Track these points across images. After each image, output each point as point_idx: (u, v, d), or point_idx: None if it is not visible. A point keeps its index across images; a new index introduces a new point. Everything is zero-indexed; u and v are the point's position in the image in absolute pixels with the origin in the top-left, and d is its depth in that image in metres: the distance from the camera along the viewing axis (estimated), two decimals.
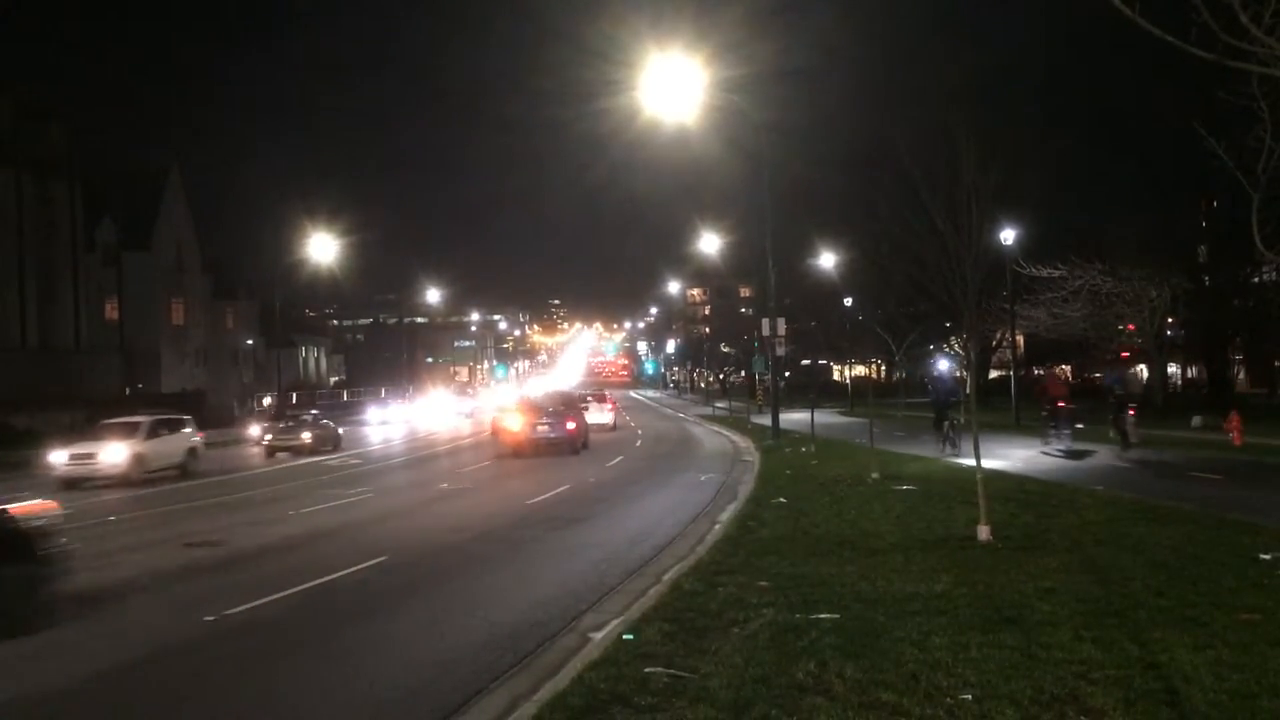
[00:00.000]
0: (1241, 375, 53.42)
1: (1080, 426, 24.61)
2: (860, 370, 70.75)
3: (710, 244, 57.34)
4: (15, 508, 8.79)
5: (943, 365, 30.60)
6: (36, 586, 8.59)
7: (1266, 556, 9.05)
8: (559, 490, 19.22)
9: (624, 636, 7.26)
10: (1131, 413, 22.61)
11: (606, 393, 49.41)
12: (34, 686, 6.97)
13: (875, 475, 17.71)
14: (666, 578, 9.57)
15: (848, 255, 50.46)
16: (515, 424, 29.84)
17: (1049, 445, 23.76)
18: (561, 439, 28.91)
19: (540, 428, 29.00)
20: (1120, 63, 35.14)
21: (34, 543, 8.61)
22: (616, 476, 22.60)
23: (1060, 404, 24.26)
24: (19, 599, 8.38)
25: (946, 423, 23.93)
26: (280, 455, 33.13)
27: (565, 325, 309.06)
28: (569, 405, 33.37)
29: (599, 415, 41.71)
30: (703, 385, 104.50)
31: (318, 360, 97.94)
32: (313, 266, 56.73)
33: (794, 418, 38.88)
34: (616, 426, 43.60)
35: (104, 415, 33.06)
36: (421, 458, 32.12)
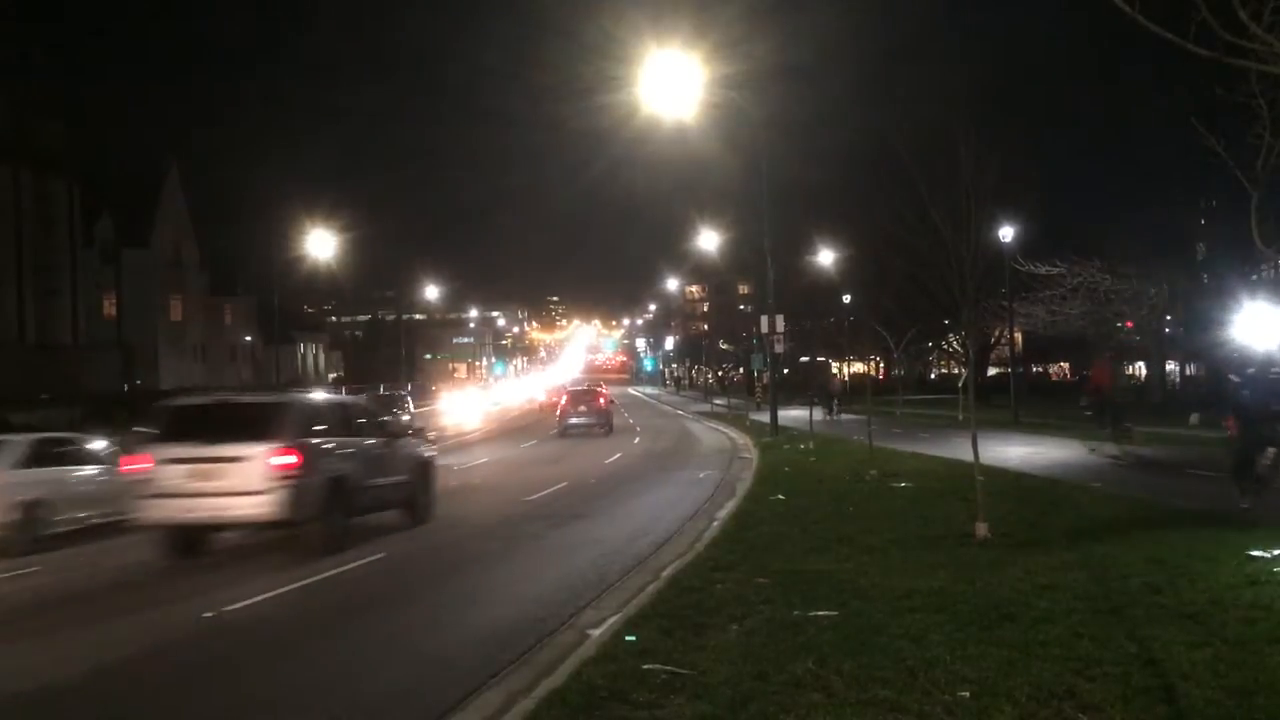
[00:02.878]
0: None
1: (842, 412, 42.30)
2: (859, 368, 70.78)
3: (709, 241, 57.21)
4: None
5: (1260, 344, 17.95)
6: None
7: (1265, 554, 9.06)
8: (558, 487, 19.22)
9: (627, 639, 7.25)
10: (837, 401, 43.71)
11: (602, 384, 55.86)
12: (30, 684, 6.96)
13: (873, 472, 17.72)
14: (665, 574, 9.57)
15: (846, 252, 50.45)
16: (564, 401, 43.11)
17: (831, 417, 39.92)
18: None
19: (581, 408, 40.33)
20: (1120, 60, 35.15)
21: None
22: (615, 473, 22.60)
23: (834, 398, 43.75)
24: None
25: (1274, 449, 12.58)
26: None
27: (564, 322, 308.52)
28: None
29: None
30: (701, 382, 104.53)
31: (316, 357, 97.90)
32: (311, 263, 56.62)
33: (792, 415, 38.88)
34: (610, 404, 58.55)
35: (102, 412, 32.57)
36: None
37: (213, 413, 13.14)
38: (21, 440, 14.78)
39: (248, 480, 11.41)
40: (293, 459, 11.57)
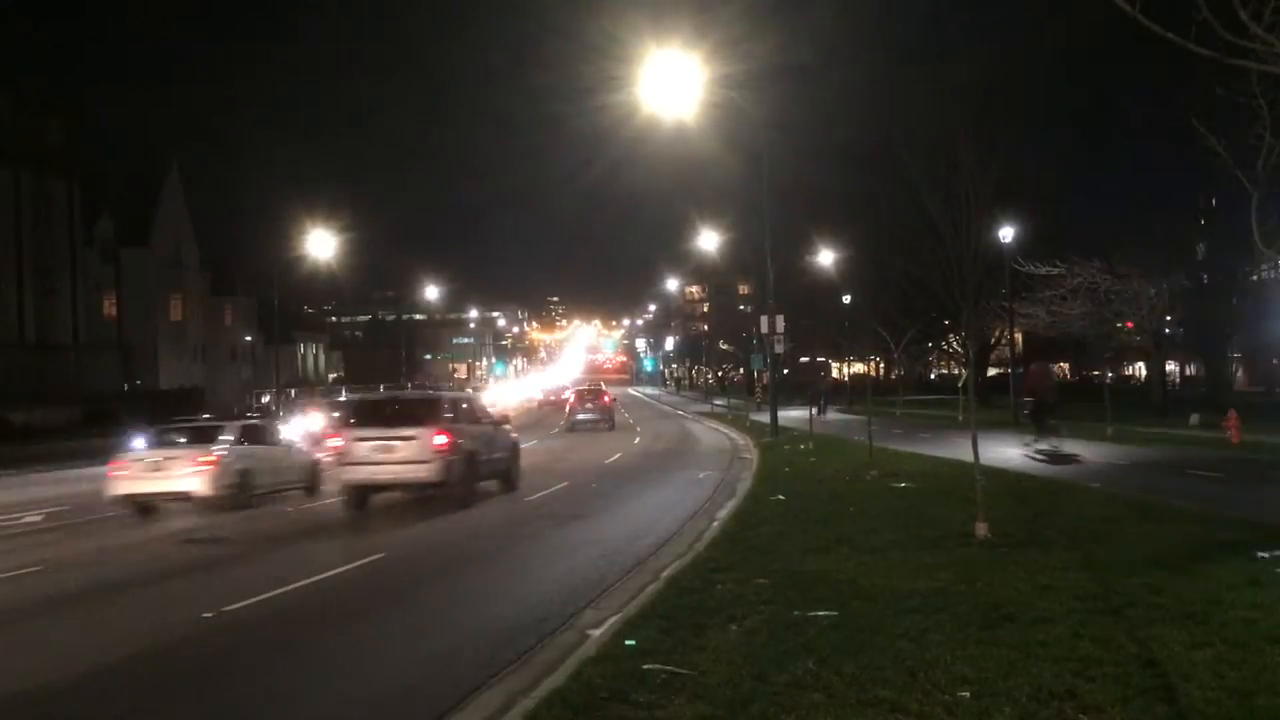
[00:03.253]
0: (1240, 373, 53.53)
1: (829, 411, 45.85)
2: (859, 368, 70.77)
3: (709, 241, 57.08)
4: None
5: None
6: None
7: (1264, 554, 9.05)
8: (558, 487, 19.22)
9: (627, 644, 7.25)
10: (825, 400, 44.85)
11: (602, 384, 56.77)
12: (30, 683, 6.95)
13: (874, 472, 17.72)
14: (665, 574, 9.56)
15: (846, 252, 50.44)
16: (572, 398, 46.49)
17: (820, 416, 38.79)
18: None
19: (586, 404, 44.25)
20: (1120, 60, 35.15)
21: None
22: (615, 473, 22.60)
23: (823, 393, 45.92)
24: None
25: None
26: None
27: (564, 322, 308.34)
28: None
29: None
30: (701, 383, 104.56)
31: (316, 357, 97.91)
32: (311, 263, 56.58)
33: (792, 415, 38.89)
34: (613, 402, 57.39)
35: (102, 412, 32.91)
36: None
37: (386, 406, 18.69)
38: (236, 424, 19.25)
39: (416, 454, 15.90)
40: (445, 439, 16.09)
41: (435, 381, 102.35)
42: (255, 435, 19.00)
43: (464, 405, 18.47)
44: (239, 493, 17.28)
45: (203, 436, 18.01)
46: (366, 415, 17.48)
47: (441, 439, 15.98)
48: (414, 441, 15.91)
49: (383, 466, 15.99)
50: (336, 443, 16.86)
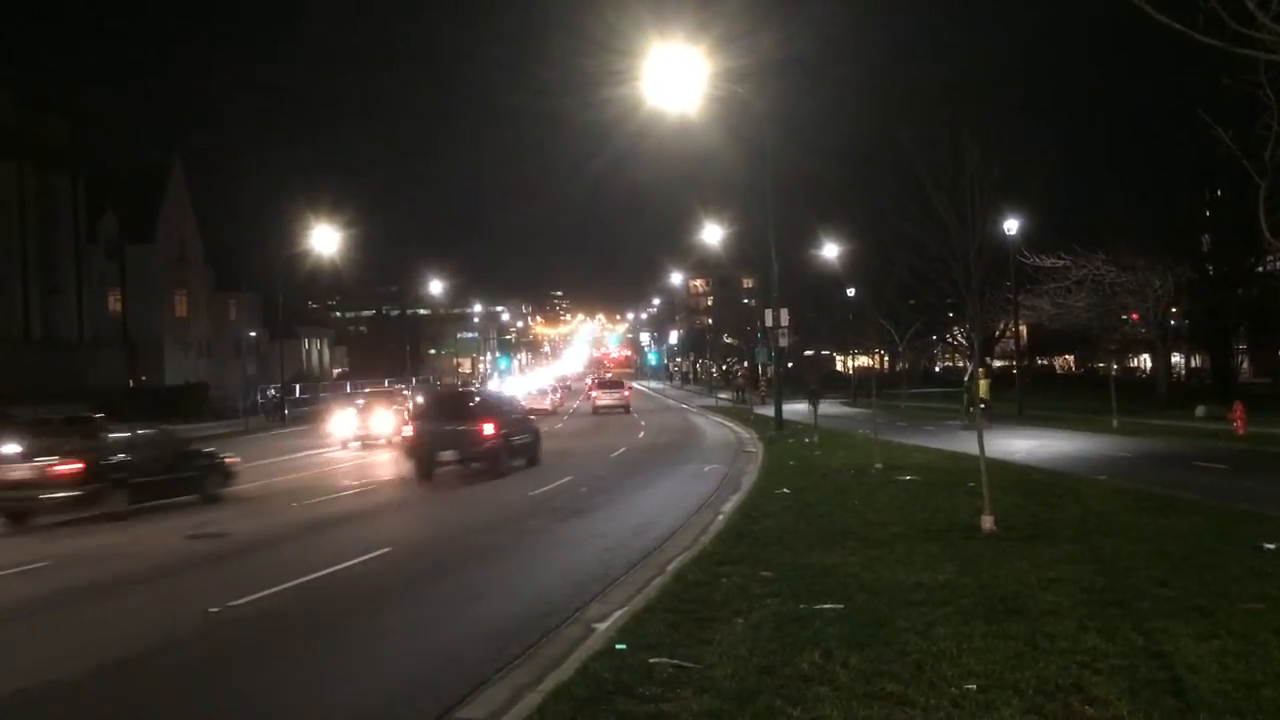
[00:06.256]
0: (1245, 365, 53.39)
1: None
2: (864, 361, 70.69)
3: (713, 234, 57.03)
4: None
5: None
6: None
7: (1271, 546, 9.04)
8: (562, 481, 19.23)
9: (632, 638, 7.25)
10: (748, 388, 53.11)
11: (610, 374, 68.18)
12: (36, 679, 6.97)
13: (879, 465, 17.71)
14: (670, 568, 9.57)
15: (850, 245, 50.37)
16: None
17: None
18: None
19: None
20: (1126, 51, 35.03)
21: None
22: (620, 468, 22.60)
23: (756, 386, 57.30)
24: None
25: None
26: None
27: (568, 317, 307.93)
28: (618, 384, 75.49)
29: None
30: (705, 377, 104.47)
31: (321, 352, 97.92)
32: (315, 258, 56.70)
33: (797, 408, 38.82)
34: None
35: (108, 409, 33.39)
36: None
37: (609, 381, 67.15)
38: (558, 386, 70.91)
39: (621, 397, 53.35)
40: (628, 393, 55.88)
41: (439, 376, 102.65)
42: (565, 390, 66.36)
43: (628, 382, 66.38)
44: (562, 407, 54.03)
45: (548, 389, 59.81)
46: (602, 385, 58.20)
47: (627, 393, 54.80)
48: (619, 393, 53.63)
49: (608, 402, 51.20)
50: (595, 394, 54.51)
